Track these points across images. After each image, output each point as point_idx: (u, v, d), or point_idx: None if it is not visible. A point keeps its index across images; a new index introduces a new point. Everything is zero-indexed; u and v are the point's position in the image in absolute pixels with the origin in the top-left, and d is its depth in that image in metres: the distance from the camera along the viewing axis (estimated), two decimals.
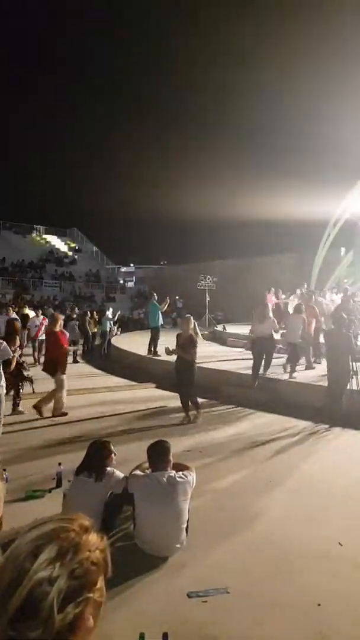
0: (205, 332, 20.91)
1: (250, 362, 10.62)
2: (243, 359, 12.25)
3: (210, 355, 13.21)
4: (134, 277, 46.72)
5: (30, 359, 13.39)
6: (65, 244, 44.91)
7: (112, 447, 4.15)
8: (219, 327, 20.03)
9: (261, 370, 9.37)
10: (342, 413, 7.35)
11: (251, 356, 9.70)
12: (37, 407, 7.59)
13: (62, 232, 46.61)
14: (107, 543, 0.92)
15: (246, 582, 3.25)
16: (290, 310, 13.23)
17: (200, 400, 8.93)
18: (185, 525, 3.67)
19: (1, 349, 5.75)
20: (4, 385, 5.89)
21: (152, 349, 13.16)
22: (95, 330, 17.09)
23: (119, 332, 19.73)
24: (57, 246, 43.54)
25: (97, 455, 4.03)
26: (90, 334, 17.06)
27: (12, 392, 7.70)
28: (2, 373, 5.76)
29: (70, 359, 14.07)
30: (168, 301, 13.67)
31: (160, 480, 3.64)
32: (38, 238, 43.67)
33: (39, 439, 6.61)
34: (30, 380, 8.25)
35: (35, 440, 6.56)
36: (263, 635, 2.76)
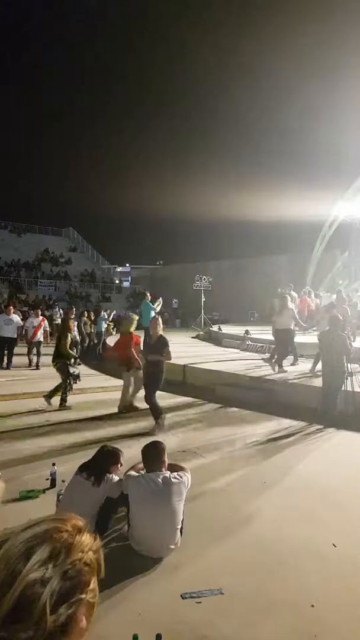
0: (201, 332, 20.95)
1: (245, 362, 10.63)
2: (238, 360, 12.28)
3: (205, 355, 13.23)
4: (129, 277, 46.74)
5: (24, 360, 13.38)
6: None
7: (121, 457, 4.11)
8: (215, 328, 20.04)
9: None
10: (336, 414, 7.37)
11: (246, 357, 9.87)
12: (131, 405, 8.28)
13: (58, 232, 46.52)
14: (100, 544, 0.92)
15: (240, 583, 3.26)
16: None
17: (194, 401, 8.96)
18: (179, 526, 3.67)
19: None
20: None
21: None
22: (91, 330, 17.03)
23: (114, 332, 19.70)
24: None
25: (103, 461, 4.01)
26: (86, 334, 16.98)
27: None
28: None
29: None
30: (160, 301, 13.65)
31: (155, 481, 3.64)
32: None
33: (33, 439, 6.59)
34: (77, 377, 8.71)
35: (29, 440, 6.54)
36: (257, 635, 2.76)
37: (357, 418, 7.31)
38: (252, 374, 10.02)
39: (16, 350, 13.28)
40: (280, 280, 23.30)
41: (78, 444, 6.27)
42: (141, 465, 3.97)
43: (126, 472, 3.92)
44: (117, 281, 44.30)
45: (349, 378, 7.68)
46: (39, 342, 13.32)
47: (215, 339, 17.70)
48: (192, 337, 19.96)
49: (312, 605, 2.99)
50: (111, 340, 16.95)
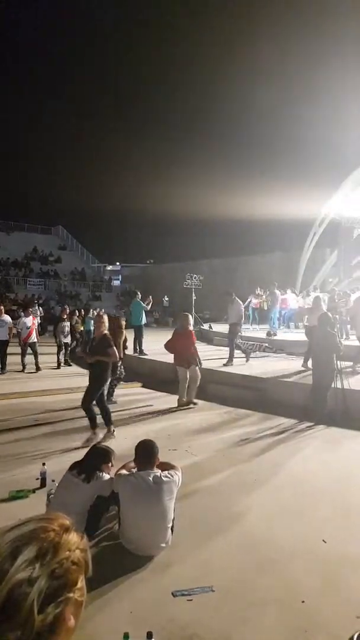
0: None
1: (236, 360, 10.64)
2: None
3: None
4: (120, 276, 46.63)
5: (14, 358, 13.25)
6: None
7: (112, 457, 4.12)
8: (206, 326, 20.05)
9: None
10: (326, 411, 7.40)
11: (237, 355, 10.01)
12: (188, 400, 8.57)
13: (47, 230, 46.27)
14: (87, 542, 0.92)
15: (231, 580, 3.26)
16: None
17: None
18: (170, 525, 3.67)
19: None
20: None
21: (138, 347, 13.13)
22: (82, 329, 16.96)
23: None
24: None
25: (94, 460, 4.01)
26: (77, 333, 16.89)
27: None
28: None
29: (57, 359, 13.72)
30: (151, 300, 13.64)
31: (146, 480, 3.63)
32: None
33: (22, 439, 6.56)
34: (120, 378, 9.00)
35: (19, 440, 6.51)
36: (248, 632, 2.77)
37: (347, 415, 7.35)
38: (243, 372, 10.03)
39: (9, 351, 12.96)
40: (271, 278, 23.34)
41: (68, 443, 6.25)
42: (132, 464, 3.97)
43: (117, 471, 3.92)
44: (107, 280, 44.16)
45: (338, 375, 7.72)
46: (34, 343, 12.96)
47: (207, 337, 17.72)
48: None
49: (303, 602, 3.01)
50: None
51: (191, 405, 8.57)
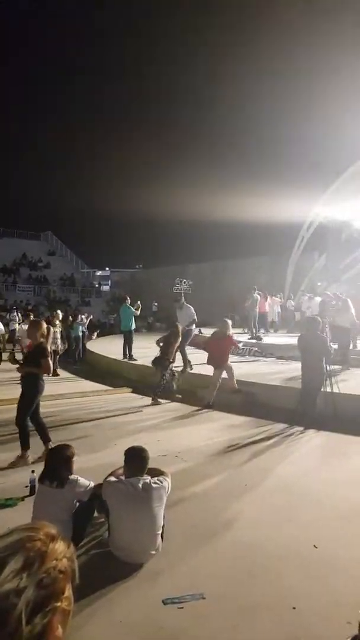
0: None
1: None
2: None
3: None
4: (109, 281, 46.57)
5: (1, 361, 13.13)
6: None
7: (73, 450, 4.05)
8: (195, 330, 20.03)
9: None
10: (316, 415, 7.42)
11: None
12: (231, 387, 9.18)
13: (36, 236, 46.10)
14: (74, 550, 0.91)
15: (222, 587, 3.25)
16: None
17: (175, 404, 8.93)
18: (160, 531, 3.65)
19: None
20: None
21: (127, 352, 13.10)
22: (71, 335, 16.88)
23: (94, 337, 19.60)
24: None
25: (56, 461, 3.95)
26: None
27: None
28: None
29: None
30: (139, 305, 13.64)
31: (135, 486, 3.61)
32: None
33: (11, 446, 6.50)
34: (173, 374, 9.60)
35: (7, 447, 6.44)
36: (239, 639, 2.75)
37: (337, 419, 7.38)
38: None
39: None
40: (259, 282, 23.43)
41: None
42: (121, 471, 3.94)
43: (106, 478, 3.88)
44: (96, 285, 44.06)
45: (328, 379, 7.75)
46: None
47: (196, 342, 17.69)
48: None
49: (294, 608, 3.00)
50: (90, 344, 16.90)
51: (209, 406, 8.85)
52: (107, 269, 50.00)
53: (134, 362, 12.71)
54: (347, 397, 7.80)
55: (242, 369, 11.02)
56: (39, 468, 4.86)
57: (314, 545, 3.78)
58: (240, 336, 16.11)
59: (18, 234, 44.58)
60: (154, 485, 3.64)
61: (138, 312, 13.57)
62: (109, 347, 15.85)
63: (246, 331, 16.87)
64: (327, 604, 3.06)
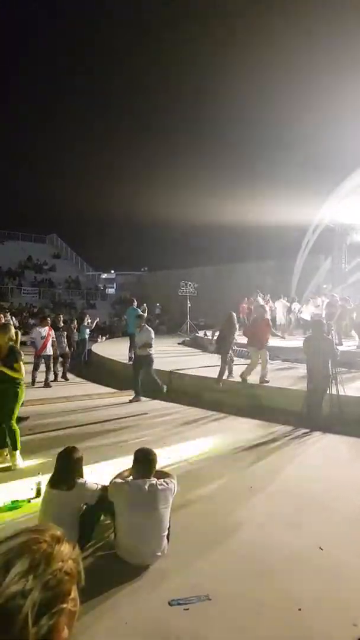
0: (187, 338, 20.96)
1: (232, 367, 10.63)
2: None
3: (191, 361, 13.24)
4: (114, 284, 46.64)
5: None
6: None
7: (79, 453, 4.06)
8: (200, 334, 20.06)
9: None
10: (322, 417, 7.41)
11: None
12: (242, 377, 9.59)
13: (42, 239, 46.27)
14: (80, 552, 0.92)
15: (227, 588, 3.25)
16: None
17: (180, 407, 8.93)
18: (166, 533, 3.65)
19: None
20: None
21: (133, 355, 13.09)
22: (77, 339, 16.89)
23: (103, 339, 19.66)
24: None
25: (66, 464, 3.96)
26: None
27: None
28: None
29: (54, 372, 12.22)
30: (145, 307, 13.64)
31: (142, 488, 3.62)
32: None
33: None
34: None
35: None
36: None
37: (343, 421, 7.36)
38: (239, 379, 10.03)
39: None
40: (265, 285, 23.43)
41: None
42: (127, 473, 3.95)
43: (112, 480, 3.89)
44: (102, 288, 44.14)
45: (333, 381, 7.73)
46: (48, 356, 11.60)
47: (201, 345, 17.71)
48: (178, 343, 19.96)
49: (299, 609, 2.99)
50: (96, 347, 16.94)
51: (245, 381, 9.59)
52: (112, 271, 50.08)
53: None
54: (353, 399, 7.77)
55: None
56: (44, 470, 4.89)
57: (320, 548, 3.77)
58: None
59: (23, 236, 44.74)
60: (159, 487, 3.65)
61: (145, 315, 13.58)
62: (114, 350, 15.88)
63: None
64: (333, 605, 3.06)
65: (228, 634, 2.80)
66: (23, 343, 10.35)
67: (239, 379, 9.75)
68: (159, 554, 3.58)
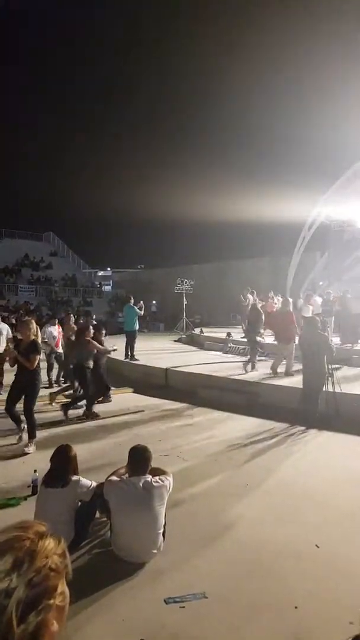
0: (183, 336, 20.96)
1: (228, 365, 10.65)
2: (220, 362, 12.31)
3: (187, 358, 13.23)
4: (111, 281, 46.56)
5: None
6: None
7: (74, 450, 4.08)
8: (197, 331, 20.06)
9: None
10: (318, 415, 7.41)
11: (228, 359, 10.19)
12: (273, 369, 10.01)
13: (38, 237, 46.14)
14: (65, 545, 0.91)
15: (223, 586, 3.25)
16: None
17: (177, 404, 8.93)
18: (162, 530, 3.66)
19: None
20: None
21: (129, 353, 13.10)
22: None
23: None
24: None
25: (61, 462, 3.97)
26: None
27: None
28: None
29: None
30: (142, 304, 13.63)
31: (137, 486, 3.62)
32: None
33: (13, 445, 6.52)
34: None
35: (10, 446, 6.46)
36: (241, 639, 2.75)
37: (339, 419, 7.37)
38: (235, 377, 10.04)
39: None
40: (261, 283, 23.43)
41: None
42: (123, 471, 3.95)
43: (107, 477, 3.89)
44: (98, 285, 44.07)
45: (329, 379, 7.74)
46: (59, 355, 11.22)
47: (198, 342, 17.72)
48: (174, 341, 19.96)
49: (296, 607, 3.00)
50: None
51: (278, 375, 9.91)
52: (108, 269, 50.01)
53: (135, 362, 12.70)
54: (349, 396, 7.79)
55: (244, 369, 11.01)
56: (39, 466, 4.88)
57: (316, 545, 3.78)
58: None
59: (20, 234, 44.59)
60: (154, 484, 3.65)
61: (142, 312, 13.57)
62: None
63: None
64: (329, 603, 3.06)
65: (224, 631, 2.80)
66: (44, 342, 10.29)
67: (270, 371, 10.11)
68: (155, 551, 3.58)
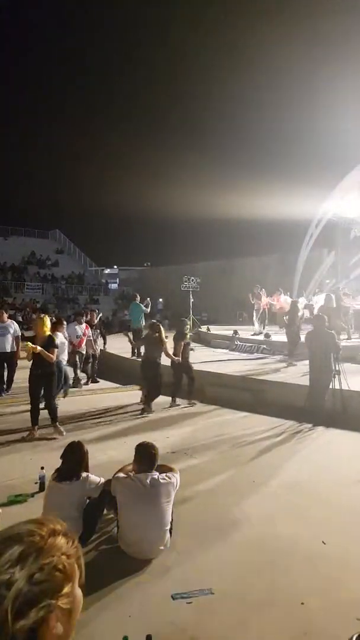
0: (190, 333, 20.95)
1: (234, 362, 10.64)
2: (227, 360, 12.30)
3: (194, 356, 13.21)
4: (117, 279, 46.59)
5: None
6: None
7: (85, 447, 4.12)
8: (203, 329, 20.05)
9: None
10: (325, 412, 7.39)
11: (235, 357, 10.11)
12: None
13: (44, 234, 46.24)
14: (80, 548, 0.90)
15: (230, 582, 3.26)
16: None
17: (184, 401, 8.94)
18: (168, 527, 3.67)
19: None
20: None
21: (136, 350, 13.10)
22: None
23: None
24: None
25: (72, 458, 4.00)
26: None
27: None
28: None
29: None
30: (149, 302, 13.63)
31: (144, 482, 3.63)
32: None
33: (20, 442, 6.55)
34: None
35: (17, 443, 6.50)
36: (247, 635, 2.76)
37: (346, 416, 7.35)
38: (242, 374, 10.03)
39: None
40: (267, 280, 23.36)
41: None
42: (130, 467, 3.96)
43: (115, 474, 3.90)
44: (105, 283, 44.11)
45: (336, 376, 7.71)
46: (81, 354, 10.75)
47: (204, 340, 17.69)
48: None
49: (302, 604, 3.00)
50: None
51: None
52: (115, 267, 49.95)
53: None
54: (356, 394, 7.75)
55: (250, 366, 11.01)
56: (46, 463, 4.90)
57: (323, 542, 3.78)
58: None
59: (26, 232, 44.65)
60: (162, 481, 3.65)
61: (148, 310, 13.57)
62: (117, 345, 15.87)
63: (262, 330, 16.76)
64: (336, 600, 3.06)
65: (231, 627, 2.81)
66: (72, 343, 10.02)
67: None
68: (162, 548, 3.59)
